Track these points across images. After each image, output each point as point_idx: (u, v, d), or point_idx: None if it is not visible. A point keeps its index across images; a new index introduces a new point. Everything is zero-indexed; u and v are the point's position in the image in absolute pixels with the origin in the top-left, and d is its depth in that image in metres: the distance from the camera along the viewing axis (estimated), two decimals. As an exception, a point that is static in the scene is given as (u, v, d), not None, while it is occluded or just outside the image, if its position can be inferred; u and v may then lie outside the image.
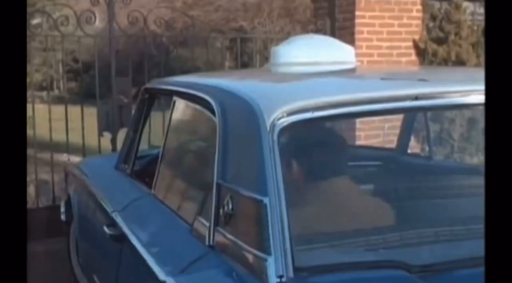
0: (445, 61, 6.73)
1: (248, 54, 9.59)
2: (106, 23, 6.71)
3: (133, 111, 4.40)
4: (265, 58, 6.10)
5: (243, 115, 2.22)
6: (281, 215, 1.90)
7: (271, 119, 2.03)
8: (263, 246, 1.89)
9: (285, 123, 2.04)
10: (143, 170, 3.70)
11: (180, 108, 3.05)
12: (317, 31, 6.55)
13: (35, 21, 6.88)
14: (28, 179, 6.82)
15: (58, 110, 6.70)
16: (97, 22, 6.72)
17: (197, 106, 3.03)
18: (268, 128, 2.02)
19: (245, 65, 9.22)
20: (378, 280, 1.87)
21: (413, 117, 3.57)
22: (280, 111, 2.05)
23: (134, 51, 6.91)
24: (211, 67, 7.99)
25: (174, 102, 3.04)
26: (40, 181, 6.66)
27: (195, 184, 2.84)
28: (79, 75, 19.31)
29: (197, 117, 2.91)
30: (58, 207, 5.28)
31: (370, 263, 1.95)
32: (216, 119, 2.33)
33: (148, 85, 3.66)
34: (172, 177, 3.19)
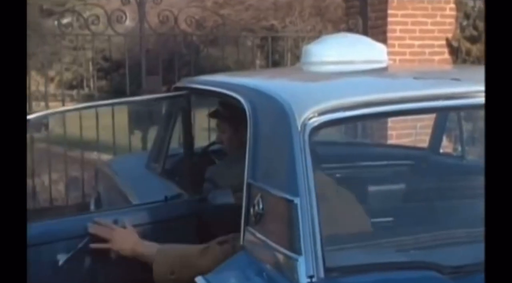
0: (478, 60, 6.68)
1: (279, 53, 9.60)
2: (136, 22, 6.78)
3: (163, 110, 4.43)
4: (296, 57, 6.11)
5: (273, 115, 2.23)
6: (311, 215, 1.90)
7: (302, 119, 2.04)
8: (293, 246, 1.90)
9: (316, 123, 2.05)
10: (174, 169, 3.73)
11: (213, 105, 3.08)
12: (349, 30, 6.55)
13: (65, 20, 6.98)
14: (57, 176, 6.93)
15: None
16: (127, 21, 6.80)
17: (228, 106, 3.06)
18: (299, 128, 2.03)
19: (276, 64, 9.23)
20: (410, 280, 1.86)
21: (446, 117, 3.55)
22: (311, 111, 2.05)
23: (164, 50, 6.95)
24: (241, 66, 8.02)
25: (204, 100, 3.06)
26: (70, 179, 6.76)
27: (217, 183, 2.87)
28: (109, 74, 19.59)
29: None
30: (88, 204, 5.35)
31: (401, 264, 1.95)
32: (247, 119, 2.35)
33: (178, 84, 3.69)
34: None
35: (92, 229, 2.73)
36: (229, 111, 3.06)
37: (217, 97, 3.06)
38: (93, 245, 2.70)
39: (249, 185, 2.20)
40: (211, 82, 3.18)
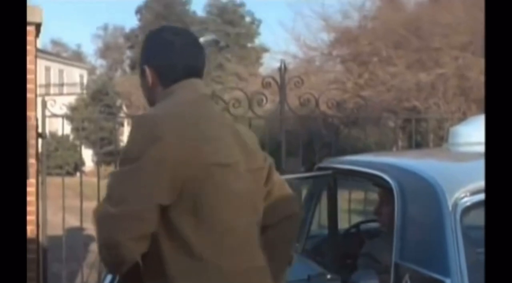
0: None
1: (421, 134, 9.58)
2: (276, 104, 7.03)
3: (304, 190, 4.54)
4: (440, 138, 6.07)
5: (423, 194, 2.28)
6: (463, 297, 1.91)
7: (453, 198, 2.08)
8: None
9: (468, 203, 2.08)
10: (315, 249, 3.80)
11: (354, 187, 3.14)
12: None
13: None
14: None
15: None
16: (267, 104, 7.05)
17: (373, 185, 3.13)
18: (450, 207, 2.06)
19: (418, 145, 9.21)
20: None
21: None
22: (463, 191, 2.09)
23: (304, 131, 7.14)
24: (383, 147, 8.06)
25: (347, 180, 3.13)
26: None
27: (370, 263, 2.90)
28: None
29: (372, 196, 2.98)
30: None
31: None
32: (394, 198, 2.40)
33: (321, 164, 3.79)
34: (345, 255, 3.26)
35: None
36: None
37: (362, 177, 3.14)
38: None
39: (396, 265, 2.24)
40: (356, 162, 3.26)
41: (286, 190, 2.25)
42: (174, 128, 1.94)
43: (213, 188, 1.97)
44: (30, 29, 5.14)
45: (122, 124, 26.63)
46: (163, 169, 1.89)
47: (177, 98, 2.07)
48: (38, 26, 5.21)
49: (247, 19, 54.52)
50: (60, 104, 6.23)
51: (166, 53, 2.11)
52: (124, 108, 6.72)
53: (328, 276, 3.13)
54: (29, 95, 5.06)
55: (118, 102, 31.36)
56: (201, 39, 54.30)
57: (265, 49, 46.97)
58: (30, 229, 4.93)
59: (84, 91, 40.06)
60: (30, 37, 5.12)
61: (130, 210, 1.87)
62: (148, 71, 2.14)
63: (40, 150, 5.67)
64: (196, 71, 2.12)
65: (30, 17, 5.12)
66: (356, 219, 4.52)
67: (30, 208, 4.92)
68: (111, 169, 10.76)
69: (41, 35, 5.40)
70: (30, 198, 4.91)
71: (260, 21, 55.22)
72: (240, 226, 2.04)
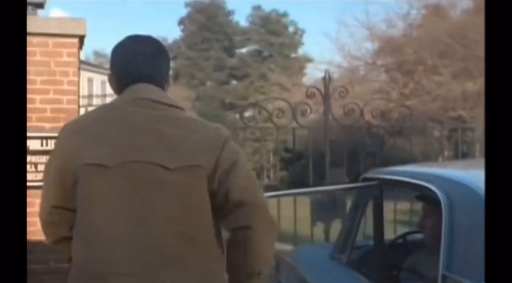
0: None
1: (467, 144, 9.47)
2: (320, 114, 7.05)
3: (349, 201, 4.54)
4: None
5: (472, 206, 2.26)
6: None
7: (503, 210, 2.05)
8: None
9: (518, 215, 2.05)
10: (360, 260, 3.79)
11: (399, 197, 3.13)
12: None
13: (247, 113, 7.37)
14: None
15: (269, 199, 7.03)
16: (311, 114, 7.06)
17: (419, 196, 3.11)
18: (499, 218, 2.04)
19: (463, 155, 9.10)
20: None
21: None
22: (513, 202, 2.06)
23: (348, 141, 7.13)
24: (428, 157, 7.99)
25: (393, 191, 3.12)
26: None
27: (416, 275, 2.88)
28: (291, 165, 20.19)
29: (418, 207, 2.96)
30: (270, 294, 5.47)
31: None
32: (442, 209, 2.39)
33: (367, 175, 3.79)
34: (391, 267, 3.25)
35: None
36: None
37: (408, 188, 3.12)
38: None
39: (444, 277, 2.23)
40: (402, 172, 3.24)
41: (247, 197, 2.12)
42: (64, 137, 2.17)
43: (84, 190, 2.08)
44: (74, 41, 5.25)
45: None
46: (51, 177, 2.16)
47: (106, 103, 2.33)
48: (81, 38, 5.31)
49: (291, 29, 54.57)
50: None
51: (120, 61, 2.29)
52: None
53: (374, 288, 3.13)
54: (72, 106, 5.17)
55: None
56: (244, 50, 54.68)
57: (309, 59, 46.95)
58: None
59: (128, 102, 40.51)
60: (73, 49, 5.23)
61: (39, 213, 2.26)
62: (111, 78, 2.35)
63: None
64: (144, 77, 2.24)
65: (73, 30, 5.24)
66: (401, 230, 4.49)
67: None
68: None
69: (84, 47, 5.51)
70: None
71: (303, 31, 55.22)
72: (112, 229, 2.03)
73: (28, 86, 5.10)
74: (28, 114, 5.08)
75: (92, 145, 2.08)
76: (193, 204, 2.09)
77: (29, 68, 5.13)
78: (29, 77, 5.13)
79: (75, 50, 5.24)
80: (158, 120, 2.14)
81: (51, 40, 5.21)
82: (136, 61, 2.26)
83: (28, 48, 5.16)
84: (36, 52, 5.18)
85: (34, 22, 5.18)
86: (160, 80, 2.27)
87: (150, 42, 2.32)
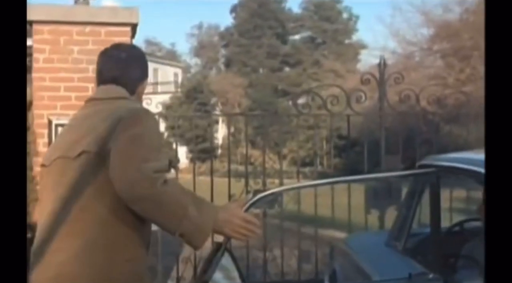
0: None
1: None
2: (375, 100, 7.00)
3: (404, 188, 4.51)
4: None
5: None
6: None
7: None
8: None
9: None
10: (416, 247, 3.78)
11: (455, 185, 3.10)
12: None
13: (300, 100, 7.37)
14: (289, 251, 7.24)
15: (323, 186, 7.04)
16: (366, 101, 7.03)
17: (477, 183, 3.08)
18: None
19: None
20: None
21: None
22: None
23: (403, 128, 7.08)
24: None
25: (449, 178, 3.09)
26: (302, 254, 7.00)
27: (473, 263, 2.86)
28: (344, 152, 20.12)
29: (478, 195, 2.94)
30: (321, 280, 5.50)
31: None
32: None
33: (423, 162, 3.76)
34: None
35: None
36: None
37: (466, 175, 3.10)
38: None
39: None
40: (460, 159, 3.22)
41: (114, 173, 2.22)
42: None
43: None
44: (126, 30, 5.33)
45: (216, 122, 27.08)
46: None
47: None
48: (134, 27, 5.40)
49: (345, 15, 54.15)
50: (155, 103, 6.42)
51: (97, 65, 2.68)
52: (220, 106, 6.87)
53: (430, 276, 3.11)
54: (125, 94, 5.25)
55: (213, 100, 31.87)
56: (297, 37, 54.42)
57: (363, 46, 46.56)
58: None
59: (179, 90, 40.88)
60: (125, 38, 5.32)
61: None
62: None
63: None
64: (104, 80, 2.62)
65: (126, 18, 5.32)
66: (457, 218, 4.45)
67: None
68: (205, 166, 10.99)
69: (136, 35, 5.60)
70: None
71: (357, 17, 54.78)
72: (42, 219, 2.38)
73: (80, 75, 5.25)
74: (81, 102, 5.19)
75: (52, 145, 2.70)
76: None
77: (82, 57, 5.26)
78: (82, 65, 5.26)
79: (127, 38, 5.33)
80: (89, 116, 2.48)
81: (103, 29, 5.31)
82: (104, 65, 2.66)
83: (80, 37, 5.30)
84: (88, 41, 5.29)
85: (86, 11, 5.29)
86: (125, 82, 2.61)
87: (121, 49, 2.68)
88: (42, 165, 2.50)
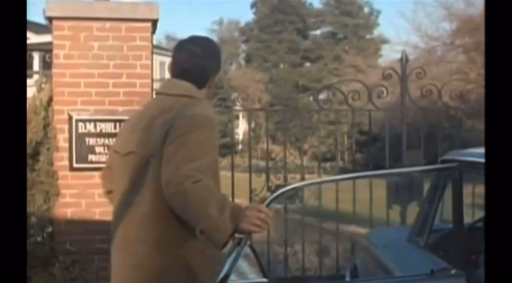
0: None
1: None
2: (397, 96, 6.95)
3: (426, 184, 4.48)
4: None
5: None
6: None
7: None
8: None
9: None
10: (438, 243, 3.76)
11: (477, 180, 3.07)
12: None
13: (321, 96, 7.34)
14: (311, 246, 7.22)
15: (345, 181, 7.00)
16: (388, 96, 6.98)
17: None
18: None
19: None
20: None
21: None
22: None
23: (425, 123, 7.02)
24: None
25: (471, 173, 3.07)
26: (323, 249, 6.99)
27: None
28: (365, 147, 20.10)
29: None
30: (343, 275, 5.48)
31: None
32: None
33: (445, 157, 3.74)
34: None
35: None
36: None
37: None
38: None
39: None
40: (483, 154, 3.17)
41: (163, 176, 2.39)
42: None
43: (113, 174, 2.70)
44: (147, 25, 5.33)
45: (237, 117, 27.10)
46: None
47: None
48: (154, 23, 5.39)
49: (366, 10, 53.89)
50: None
51: (172, 58, 2.75)
52: (240, 101, 6.90)
53: (452, 272, 3.10)
54: (145, 89, 5.27)
55: (233, 95, 31.88)
56: (318, 32, 54.30)
57: (384, 41, 46.26)
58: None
59: (199, 85, 40.90)
60: (146, 33, 5.31)
61: None
62: None
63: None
64: (176, 72, 2.70)
65: (146, 14, 5.31)
66: (479, 214, 4.41)
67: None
68: (226, 161, 11.00)
69: (156, 31, 5.59)
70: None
71: (379, 12, 54.46)
72: (117, 210, 2.61)
73: (101, 71, 5.26)
74: (101, 98, 5.24)
75: (121, 134, 2.80)
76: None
77: (102, 52, 5.27)
78: (102, 61, 5.27)
79: (148, 34, 5.32)
80: (155, 116, 2.56)
81: (123, 25, 5.31)
82: (174, 59, 2.72)
83: (101, 33, 5.31)
84: (109, 37, 5.29)
85: (106, 7, 5.29)
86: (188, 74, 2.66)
87: (190, 42, 2.72)
88: (116, 151, 2.69)
